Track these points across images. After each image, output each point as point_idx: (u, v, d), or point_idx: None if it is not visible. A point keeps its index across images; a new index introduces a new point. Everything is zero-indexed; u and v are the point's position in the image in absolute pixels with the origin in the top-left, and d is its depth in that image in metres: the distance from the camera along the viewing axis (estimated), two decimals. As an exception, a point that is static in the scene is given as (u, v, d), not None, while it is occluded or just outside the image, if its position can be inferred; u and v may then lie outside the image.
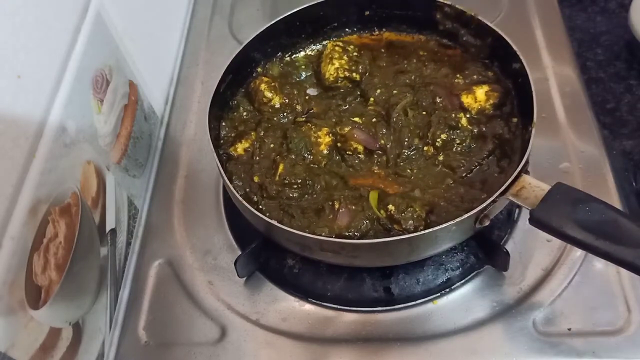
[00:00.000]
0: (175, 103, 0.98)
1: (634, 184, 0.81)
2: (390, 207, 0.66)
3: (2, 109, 0.54)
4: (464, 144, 0.72)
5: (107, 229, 0.74)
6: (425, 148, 0.73)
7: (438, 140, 0.72)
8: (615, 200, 0.75)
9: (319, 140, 0.74)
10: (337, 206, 0.67)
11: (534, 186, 0.60)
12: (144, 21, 0.92)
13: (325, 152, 0.74)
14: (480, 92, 0.75)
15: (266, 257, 0.75)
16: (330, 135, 0.75)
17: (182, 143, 0.92)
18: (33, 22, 0.60)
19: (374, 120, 0.75)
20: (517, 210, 0.76)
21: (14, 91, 0.56)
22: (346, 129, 0.74)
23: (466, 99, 0.75)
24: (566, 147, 0.81)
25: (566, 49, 0.94)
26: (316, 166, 0.73)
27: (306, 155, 0.74)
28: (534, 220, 0.58)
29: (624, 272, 0.69)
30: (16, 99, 0.56)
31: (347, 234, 0.66)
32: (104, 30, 0.76)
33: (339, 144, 0.74)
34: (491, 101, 0.75)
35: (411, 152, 0.73)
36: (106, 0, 0.76)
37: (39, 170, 0.59)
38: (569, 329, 0.66)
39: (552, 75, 0.90)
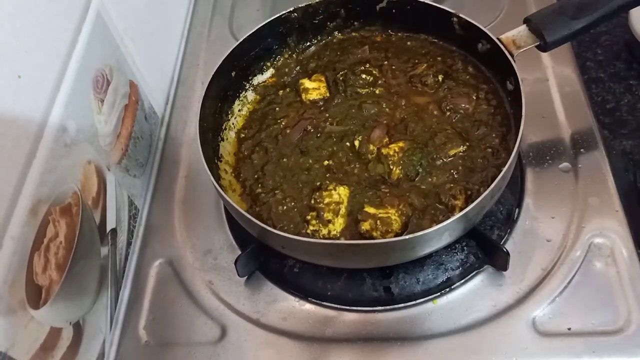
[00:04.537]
0: (175, 103, 0.98)
1: (636, 184, 0.81)
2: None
3: (2, 109, 0.54)
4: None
5: (108, 228, 0.74)
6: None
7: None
8: (615, 201, 0.75)
9: None
10: None
11: (516, 33, 0.72)
12: (144, 21, 0.92)
13: None
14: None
15: (266, 257, 0.75)
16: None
17: (182, 143, 0.92)
18: (33, 23, 0.60)
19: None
20: (516, 210, 0.76)
21: (14, 91, 0.56)
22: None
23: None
24: (566, 147, 0.82)
25: (566, 49, 0.93)
26: None
27: None
28: (549, 45, 0.70)
29: (624, 271, 0.69)
30: (17, 99, 0.56)
31: None
32: (104, 30, 0.76)
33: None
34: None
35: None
36: (106, 0, 0.76)
37: (39, 170, 0.59)
38: (569, 329, 0.66)
39: (552, 75, 0.90)
